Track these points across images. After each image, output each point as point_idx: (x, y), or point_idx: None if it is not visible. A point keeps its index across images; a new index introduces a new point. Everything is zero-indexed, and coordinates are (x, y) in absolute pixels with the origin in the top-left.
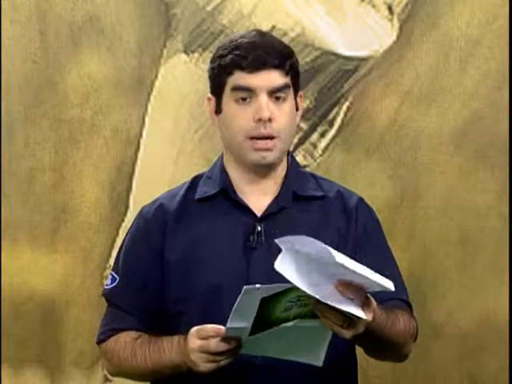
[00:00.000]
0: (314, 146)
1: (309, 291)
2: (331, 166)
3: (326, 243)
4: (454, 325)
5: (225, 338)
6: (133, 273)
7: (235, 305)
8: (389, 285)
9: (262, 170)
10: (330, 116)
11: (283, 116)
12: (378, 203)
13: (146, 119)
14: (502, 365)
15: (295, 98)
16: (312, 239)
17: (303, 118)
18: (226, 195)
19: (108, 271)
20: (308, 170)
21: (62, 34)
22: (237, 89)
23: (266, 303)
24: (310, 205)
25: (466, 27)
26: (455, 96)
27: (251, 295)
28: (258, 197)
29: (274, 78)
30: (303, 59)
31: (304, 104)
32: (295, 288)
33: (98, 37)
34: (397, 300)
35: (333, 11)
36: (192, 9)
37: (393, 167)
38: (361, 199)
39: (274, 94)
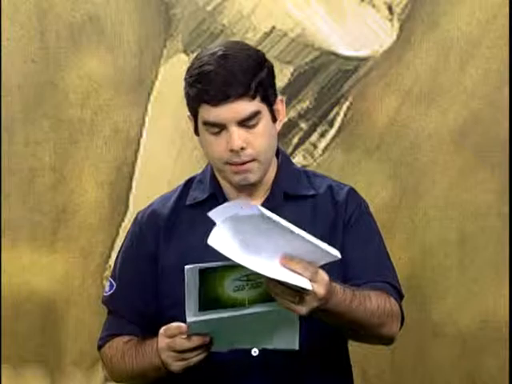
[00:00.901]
0: (314, 146)
1: (250, 266)
2: (331, 166)
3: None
4: (453, 325)
5: (191, 335)
6: (129, 279)
7: (185, 291)
8: (335, 253)
9: (248, 187)
10: (330, 116)
11: (257, 139)
12: (377, 203)
13: (146, 119)
14: (502, 365)
15: (271, 111)
16: (241, 201)
17: (303, 118)
18: (217, 200)
19: (108, 271)
20: (300, 167)
21: (61, 34)
22: (206, 124)
23: (208, 277)
24: (302, 204)
25: (466, 27)
26: (455, 96)
27: (195, 276)
28: (248, 199)
29: (241, 108)
30: (303, 59)
31: (304, 104)
32: (238, 265)
33: (98, 37)
34: (381, 283)
35: (333, 11)
36: (192, 9)
37: (393, 167)
38: (351, 190)
39: (244, 122)
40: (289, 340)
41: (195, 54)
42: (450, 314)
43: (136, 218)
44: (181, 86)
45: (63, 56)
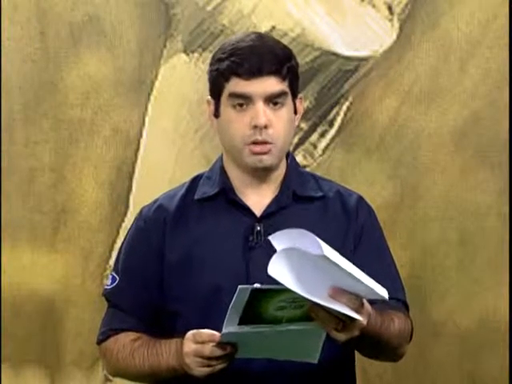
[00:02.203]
0: (314, 146)
1: (303, 293)
2: (331, 165)
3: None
4: (453, 324)
5: (220, 343)
6: (133, 273)
7: (230, 305)
8: (383, 293)
9: (260, 173)
10: (330, 116)
11: (280, 122)
12: (378, 203)
13: (146, 119)
14: (502, 364)
15: (294, 102)
16: (303, 231)
17: (303, 118)
18: (226, 196)
19: (108, 271)
20: (308, 169)
21: (61, 34)
22: (233, 95)
23: (258, 296)
24: (310, 205)
25: (466, 27)
26: (455, 96)
27: (245, 295)
28: (258, 197)
29: (271, 84)
30: (303, 59)
31: (304, 104)
32: (290, 290)
33: (98, 37)
34: (393, 300)
35: (333, 11)
36: (192, 9)
37: (393, 167)
38: (360, 198)
39: (271, 100)
40: (310, 353)
41: (196, 54)
42: (450, 314)
43: (141, 213)
44: (181, 85)
45: (63, 56)
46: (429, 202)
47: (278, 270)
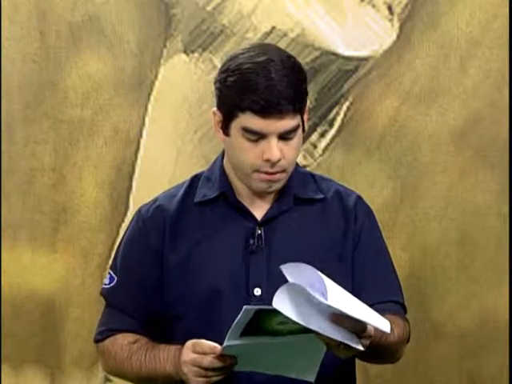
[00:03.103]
0: (314, 146)
1: (306, 324)
2: (331, 166)
3: (325, 246)
4: (453, 325)
5: (220, 356)
6: (131, 273)
7: (234, 323)
8: (385, 327)
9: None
10: (330, 116)
11: (291, 152)
12: (377, 203)
13: (146, 119)
14: (502, 365)
15: (302, 121)
16: (313, 271)
17: None
18: (226, 199)
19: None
20: (308, 169)
21: (61, 34)
22: (247, 130)
23: (262, 314)
24: (310, 207)
25: (466, 27)
26: (455, 96)
27: (250, 314)
28: (259, 201)
29: (286, 122)
30: (303, 59)
31: None
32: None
33: (98, 37)
34: (391, 303)
35: (333, 11)
36: (192, 9)
37: (393, 167)
38: (359, 197)
39: (284, 135)
40: (309, 371)
41: (196, 54)
42: (449, 314)
43: (139, 212)
44: (181, 85)
45: (63, 56)
46: (429, 202)
47: (283, 303)
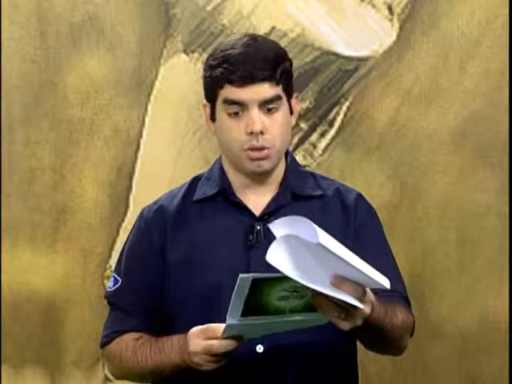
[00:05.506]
0: (314, 146)
1: (304, 282)
2: (331, 166)
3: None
4: (453, 324)
5: (226, 337)
6: (135, 274)
7: (233, 295)
8: (384, 282)
9: (260, 176)
10: (330, 116)
11: (275, 126)
12: (377, 203)
13: (146, 119)
14: (502, 365)
15: (289, 102)
16: (302, 218)
17: (303, 118)
18: (225, 196)
19: (108, 271)
20: (308, 169)
21: (61, 34)
22: (228, 101)
23: (259, 285)
24: (309, 204)
25: (466, 27)
26: (455, 96)
27: (247, 284)
28: (257, 197)
29: (265, 90)
30: (303, 59)
31: (304, 104)
32: (290, 278)
33: (98, 37)
34: (394, 293)
35: (333, 11)
36: (192, 9)
37: (393, 167)
38: (359, 195)
39: (266, 105)
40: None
41: (196, 54)
42: (449, 314)
43: (142, 214)
44: (181, 85)
45: (63, 56)
46: (428, 202)
47: (277, 257)
